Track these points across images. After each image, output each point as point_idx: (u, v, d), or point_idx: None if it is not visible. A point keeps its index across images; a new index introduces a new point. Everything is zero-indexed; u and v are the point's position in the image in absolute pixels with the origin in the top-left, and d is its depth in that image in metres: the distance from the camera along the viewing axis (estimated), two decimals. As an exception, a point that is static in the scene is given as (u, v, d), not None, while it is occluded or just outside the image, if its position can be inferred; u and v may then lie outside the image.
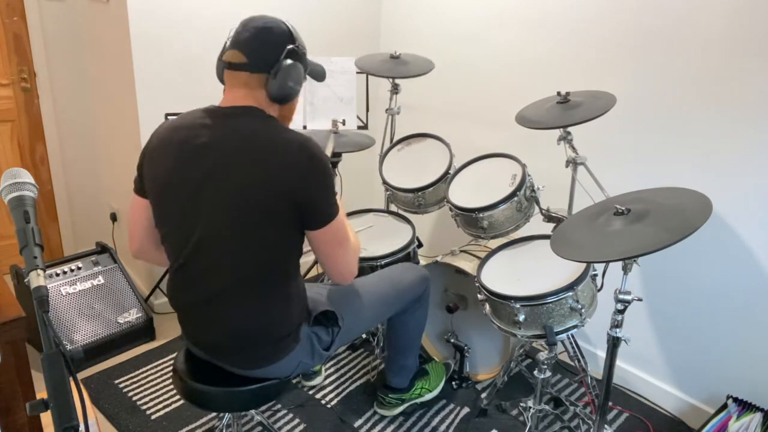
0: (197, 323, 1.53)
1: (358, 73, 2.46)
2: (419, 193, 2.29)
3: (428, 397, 2.18)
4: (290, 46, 1.41)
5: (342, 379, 2.36)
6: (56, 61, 2.85)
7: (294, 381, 2.31)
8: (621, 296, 1.55)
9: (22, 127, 2.88)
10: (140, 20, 2.36)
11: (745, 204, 1.96)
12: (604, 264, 1.92)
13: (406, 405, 2.15)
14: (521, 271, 1.93)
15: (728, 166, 1.98)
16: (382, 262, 2.11)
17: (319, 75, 1.62)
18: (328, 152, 2.12)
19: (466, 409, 2.21)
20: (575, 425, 2.13)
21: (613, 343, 1.61)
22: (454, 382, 2.32)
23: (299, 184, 1.36)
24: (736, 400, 2.03)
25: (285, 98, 1.43)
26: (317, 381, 2.32)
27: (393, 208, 2.52)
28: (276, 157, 1.35)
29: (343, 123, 2.45)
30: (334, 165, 2.57)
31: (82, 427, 0.80)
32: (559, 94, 1.97)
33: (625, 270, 1.52)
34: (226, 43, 1.44)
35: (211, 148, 1.38)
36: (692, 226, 1.31)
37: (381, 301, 1.81)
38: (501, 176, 2.12)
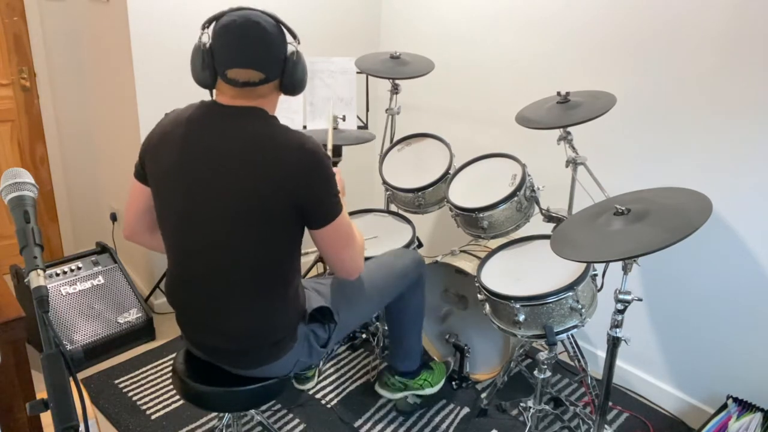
0: (196, 323, 1.53)
1: (358, 73, 2.47)
2: (419, 193, 2.29)
3: (428, 391, 2.17)
4: (290, 45, 1.41)
5: (342, 379, 2.36)
6: (56, 61, 2.85)
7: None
8: (621, 296, 1.55)
9: (22, 127, 2.88)
10: (140, 20, 2.36)
11: (745, 204, 1.96)
12: (604, 264, 1.92)
13: (407, 393, 2.14)
14: (521, 271, 1.92)
15: (728, 166, 1.98)
16: (382, 262, 2.10)
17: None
18: (329, 145, 2.11)
19: (466, 409, 2.21)
20: (575, 425, 2.13)
21: (613, 343, 1.61)
22: (454, 382, 2.32)
23: (300, 183, 1.36)
24: (736, 400, 2.03)
25: (300, 90, 1.47)
26: (309, 386, 2.31)
27: (393, 208, 2.52)
28: (278, 156, 1.36)
29: (343, 119, 2.45)
30: (335, 165, 2.56)
31: (82, 427, 0.80)
32: (559, 94, 1.97)
33: (625, 270, 1.52)
34: (209, 47, 1.37)
35: (216, 148, 1.38)
36: (692, 226, 1.31)
37: (376, 290, 1.80)
38: (501, 176, 2.12)
